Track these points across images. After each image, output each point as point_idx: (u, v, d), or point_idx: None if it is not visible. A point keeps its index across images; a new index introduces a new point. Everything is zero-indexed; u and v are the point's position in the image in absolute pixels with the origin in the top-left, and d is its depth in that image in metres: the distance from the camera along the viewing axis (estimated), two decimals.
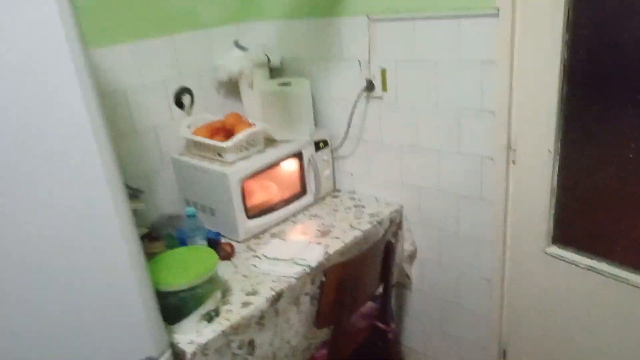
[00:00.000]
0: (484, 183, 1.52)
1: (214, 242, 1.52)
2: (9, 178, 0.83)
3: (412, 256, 1.84)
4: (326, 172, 1.83)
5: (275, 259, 1.46)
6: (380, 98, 1.65)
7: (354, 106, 1.70)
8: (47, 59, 0.82)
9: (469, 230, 1.61)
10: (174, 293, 1.15)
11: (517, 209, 1.48)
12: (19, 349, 0.90)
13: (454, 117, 1.50)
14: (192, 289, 1.16)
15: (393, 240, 1.72)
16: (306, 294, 1.43)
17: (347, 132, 1.77)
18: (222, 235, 1.59)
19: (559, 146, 1.33)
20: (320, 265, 1.44)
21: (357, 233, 1.60)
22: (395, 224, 1.76)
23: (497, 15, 1.30)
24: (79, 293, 0.94)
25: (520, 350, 1.65)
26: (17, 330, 0.89)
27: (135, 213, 1.47)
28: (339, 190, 1.93)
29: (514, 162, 1.43)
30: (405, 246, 1.80)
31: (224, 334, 1.20)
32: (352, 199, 1.85)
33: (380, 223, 1.68)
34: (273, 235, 1.63)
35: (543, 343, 1.56)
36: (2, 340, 0.88)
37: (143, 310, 1.02)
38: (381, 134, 1.72)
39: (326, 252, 1.48)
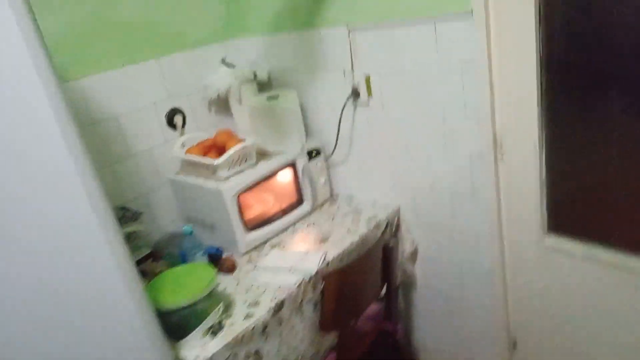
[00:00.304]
0: (475, 180, 1.53)
1: (215, 257, 1.56)
2: None
3: (413, 255, 1.85)
4: (321, 180, 1.86)
5: (275, 269, 1.49)
6: (366, 104, 1.68)
7: (341, 114, 1.73)
8: (19, 94, 0.86)
9: (466, 226, 1.63)
10: (175, 311, 1.18)
11: (510, 203, 1.50)
12: None
13: (440, 118, 1.52)
14: (192, 305, 1.19)
15: (393, 242, 1.74)
16: (308, 301, 1.45)
17: (337, 140, 1.80)
18: (224, 250, 1.62)
19: (544, 139, 1.35)
20: (319, 272, 1.47)
21: (355, 238, 1.63)
22: (394, 225, 1.78)
23: (471, 15, 1.32)
24: (78, 319, 0.98)
25: (530, 339, 1.65)
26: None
27: (137, 234, 1.53)
28: (335, 197, 1.96)
29: (502, 158, 1.45)
30: (405, 246, 1.82)
31: (229, 346, 1.23)
32: (349, 204, 1.88)
33: (377, 226, 1.71)
34: (273, 246, 1.66)
35: (550, 331, 1.57)
36: None
37: (144, 330, 1.05)
38: (371, 139, 1.74)
39: (325, 259, 1.51)
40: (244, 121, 1.81)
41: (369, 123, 1.72)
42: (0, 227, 0.87)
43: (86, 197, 0.94)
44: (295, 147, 1.75)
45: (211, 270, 1.28)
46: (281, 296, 1.37)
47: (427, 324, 1.97)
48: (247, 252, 1.64)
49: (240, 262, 1.59)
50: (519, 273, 1.58)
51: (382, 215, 1.74)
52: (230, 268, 1.53)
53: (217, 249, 1.59)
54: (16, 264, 0.90)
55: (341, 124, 1.77)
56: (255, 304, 1.36)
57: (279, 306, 1.36)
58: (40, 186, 0.90)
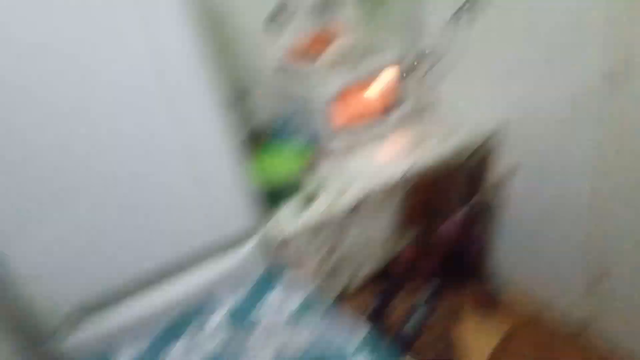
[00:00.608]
0: (589, 108, 1.39)
1: (308, 148, 1.63)
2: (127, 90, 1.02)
3: (506, 179, 1.79)
4: (422, 86, 1.80)
5: (362, 169, 1.54)
6: (483, 11, 1.54)
7: (455, 19, 1.62)
8: None
9: (569, 156, 1.52)
10: (269, 185, 1.29)
11: (623, 136, 1.35)
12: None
13: (562, 34, 1.36)
14: (285, 182, 1.29)
15: (487, 161, 1.69)
16: (391, 201, 1.50)
17: (446, 48, 1.70)
18: (316, 143, 1.68)
19: None
20: (405, 177, 1.48)
21: (447, 150, 1.60)
22: (491, 145, 1.71)
23: None
24: (188, 178, 1.14)
25: (620, 273, 1.56)
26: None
27: (242, 113, 1.62)
28: (433, 107, 1.90)
29: (624, 85, 1.28)
30: (499, 168, 1.76)
31: (312, 226, 1.34)
32: (447, 116, 1.82)
33: (474, 143, 1.65)
34: (362, 147, 1.69)
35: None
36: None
37: (244, 192, 1.21)
38: (483, 52, 1.62)
39: (413, 166, 1.52)
40: (352, 16, 1.76)
41: (483, 33, 1.59)
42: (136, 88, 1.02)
43: (205, 71, 1.08)
44: (400, 48, 1.69)
45: (305, 156, 1.36)
46: (365, 192, 1.43)
47: (506, 251, 1.94)
48: (336, 151, 1.68)
49: (329, 158, 1.65)
50: (617, 211, 1.46)
51: (481, 133, 1.67)
52: (319, 161, 1.60)
53: (310, 141, 1.65)
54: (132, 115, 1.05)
55: (454, 31, 1.66)
56: (340, 196, 1.43)
57: (363, 200, 1.42)
58: (164, 58, 1.03)
